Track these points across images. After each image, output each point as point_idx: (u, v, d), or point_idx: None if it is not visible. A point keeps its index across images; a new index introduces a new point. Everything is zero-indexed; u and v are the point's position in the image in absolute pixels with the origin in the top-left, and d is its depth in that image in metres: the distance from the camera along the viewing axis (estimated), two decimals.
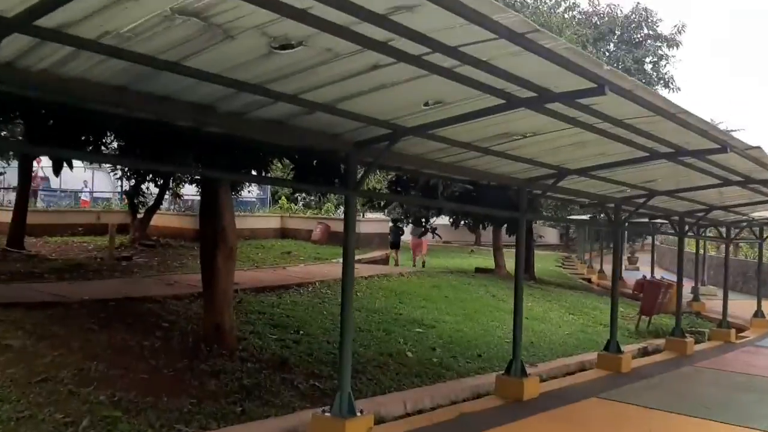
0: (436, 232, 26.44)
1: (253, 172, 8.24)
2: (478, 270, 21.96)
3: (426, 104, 5.17)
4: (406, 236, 25.92)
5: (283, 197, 28.81)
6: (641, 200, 10.89)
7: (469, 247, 39.83)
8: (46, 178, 32.32)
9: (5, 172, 23.10)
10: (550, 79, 4.63)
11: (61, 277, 12.87)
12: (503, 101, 5.06)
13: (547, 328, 13.41)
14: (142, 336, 8.53)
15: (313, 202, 33.39)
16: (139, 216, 20.29)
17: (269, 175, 9.25)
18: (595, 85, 4.57)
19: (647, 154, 7.25)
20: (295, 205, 29.87)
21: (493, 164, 7.60)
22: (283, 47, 3.91)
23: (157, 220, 21.09)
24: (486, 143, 6.59)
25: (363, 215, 25.07)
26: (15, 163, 19.43)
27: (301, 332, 10.09)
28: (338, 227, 23.93)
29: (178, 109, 4.71)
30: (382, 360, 9.32)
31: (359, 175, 6.33)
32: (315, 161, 8.50)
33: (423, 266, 22.40)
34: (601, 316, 16.35)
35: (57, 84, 4.07)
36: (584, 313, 16.62)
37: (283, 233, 25.10)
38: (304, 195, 27.33)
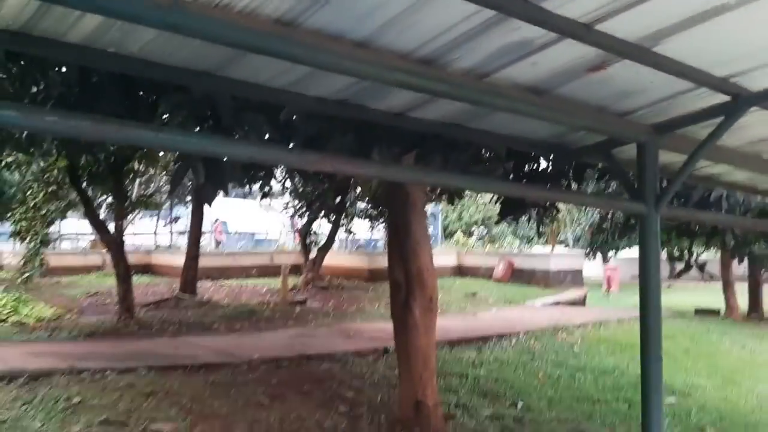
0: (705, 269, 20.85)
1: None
2: (699, 312, 18.20)
3: None
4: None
5: (458, 231, 26.68)
6: None
7: (663, 282, 35.25)
8: (224, 222, 32.95)
9: (181, 217, 23.12)
10: None
11: (230, 326, 11.52)
12: None
13: None
14: (321, 412, 6.58)
15: (486, 236, 30.96)
16: (311, 256, 19.09)
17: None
18: None
19: None
20: (470, 239, 27.65)
21: None
22: None
23: (328, 260, 19.77)
24: None
25: (552, 249, 22.29)
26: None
27: (520, 404, 7.67)
28: (522, 263, 21.34)
29: (385, 69, 2.61)
30: None
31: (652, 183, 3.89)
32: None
33: None
34: None
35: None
36: None
37: (461, 271, 22.90)
38: (482, 229, 24.98)
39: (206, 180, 4.87)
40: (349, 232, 20.46)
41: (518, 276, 20.87)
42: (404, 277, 6.53)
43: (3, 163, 13.66)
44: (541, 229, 29.08)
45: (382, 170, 2.91)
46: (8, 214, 15.63)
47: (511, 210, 7.77)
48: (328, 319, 12.52)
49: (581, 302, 19.32)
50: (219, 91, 3.74)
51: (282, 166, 12.28)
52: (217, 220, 31.09)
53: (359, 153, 3.99)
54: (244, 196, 39.29)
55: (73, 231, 24.94)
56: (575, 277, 21.31)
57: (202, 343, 9.59)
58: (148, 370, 7.33)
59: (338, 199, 18.23)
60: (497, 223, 8.57)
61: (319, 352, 9.00)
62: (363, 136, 3.78)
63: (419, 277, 6.45)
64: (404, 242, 6.48)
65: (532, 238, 34.35)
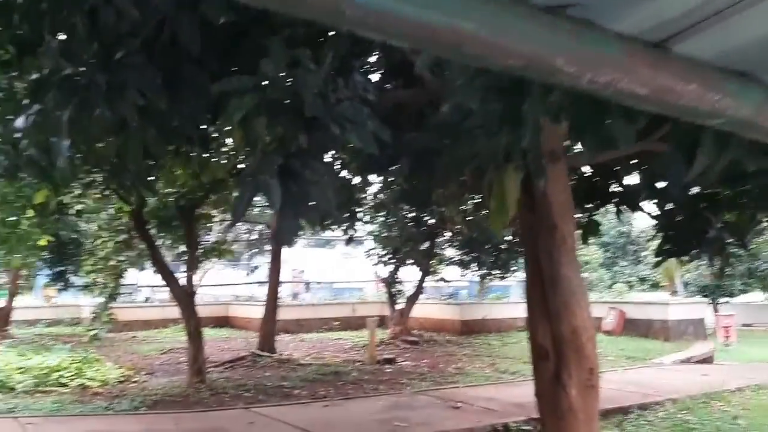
0: None
1: None
2: None
3: None
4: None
5: None
6: None
7: None
8: (302, 271, 31.91)
9: (259, 266, 22.09)
10: None
11: (313, 391, 9.94)
12: None
13: None
14: None
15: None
16: (398, 307, 17.39)
17: None
18: None
19: None
20: None
21: None
22: None
23: (415, 310, 17.97)
24: None
25: (671, 295, 19.80)
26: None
27: None
28: (634, 313, 18.94)
29: None
30: None
31: None
32: None
33: None
34: None
35: None
36: None
37: None
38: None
39: (284, 207, 3.30)
40: (442, 280, 18.63)
41: (631, 327, 18.43)
42: (552, 342, 4.76)
43: (75, 211, 12.80)
44: (653, 274, 26.22)
45: None
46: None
47: (679, 247, 5.90)
48: (424, 383, 10.71)
49: (710, 359, 16.74)
50: None
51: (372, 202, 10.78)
52: (296, 270, 30.05)
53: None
54: (324, 245, 38.42)
55: (151, 282, 24.27)
56: (697, 329, 18.67)
57: (280, 415, 8.01)
58: None
59: (427, 245, 16.61)
60: (657, 265, 6.79)
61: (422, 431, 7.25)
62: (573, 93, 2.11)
63: (574, 342, 4.65)
64: (551, 293, 4.71)
65: (633, 285, 31.48)
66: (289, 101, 3.09)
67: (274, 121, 3.07)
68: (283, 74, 3.10)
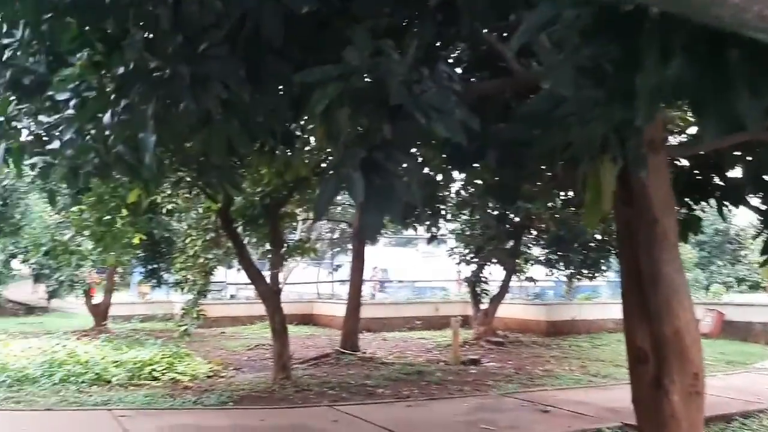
0: None
1: None
2: None
3: None
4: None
5: None
6: None
7: None
8: (384, 270, 31.97)
9: (342, 265, 22.28)
10: None
11: (397, 391, 9.86)
12: None
13: None
14: None
15: None
16: (482, 306, 17.06)
17: None
18: None
19: None
20: None
21: None
22: None
23: (499, 311, 17.56)
24: None
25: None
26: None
27: None
28: (733, 315, 17.86)
29: None
30: None
31: None
32: None
33: None
34: None
35: None
36: None
37: None
38: None
39: (368, 201, 3.19)
40: (530, 279, 18.14)
41: (729, 330, 17.40)
42: (652, 344, 4.45)
43: (166, 210, 13.23)
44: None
45: None
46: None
47: None
48: (511, 385, 10.40)
49: None
50: None
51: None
52: (377, 268, 30.12)
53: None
54: (405, 244, 38.39)
55: (237, 280, 24.95)
56: None
57: (363, 414, 7.95)
58: None
59: (511, 243, 16.22)
60: (764, 264, 6.23)
61: None
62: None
63: (677, 344, 4.32)
64: (651, 293, 4.40)
65: (730, 286, 29.84)
66: (372, 90, 2.98)
67: (357, 112, 2.97)
68: (367, 63, 2.99)
